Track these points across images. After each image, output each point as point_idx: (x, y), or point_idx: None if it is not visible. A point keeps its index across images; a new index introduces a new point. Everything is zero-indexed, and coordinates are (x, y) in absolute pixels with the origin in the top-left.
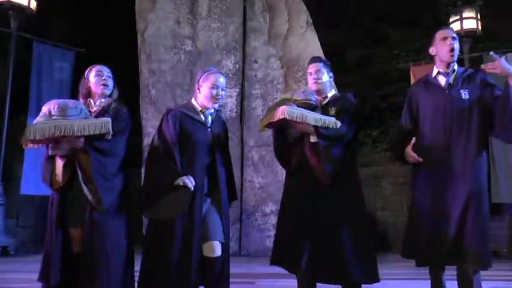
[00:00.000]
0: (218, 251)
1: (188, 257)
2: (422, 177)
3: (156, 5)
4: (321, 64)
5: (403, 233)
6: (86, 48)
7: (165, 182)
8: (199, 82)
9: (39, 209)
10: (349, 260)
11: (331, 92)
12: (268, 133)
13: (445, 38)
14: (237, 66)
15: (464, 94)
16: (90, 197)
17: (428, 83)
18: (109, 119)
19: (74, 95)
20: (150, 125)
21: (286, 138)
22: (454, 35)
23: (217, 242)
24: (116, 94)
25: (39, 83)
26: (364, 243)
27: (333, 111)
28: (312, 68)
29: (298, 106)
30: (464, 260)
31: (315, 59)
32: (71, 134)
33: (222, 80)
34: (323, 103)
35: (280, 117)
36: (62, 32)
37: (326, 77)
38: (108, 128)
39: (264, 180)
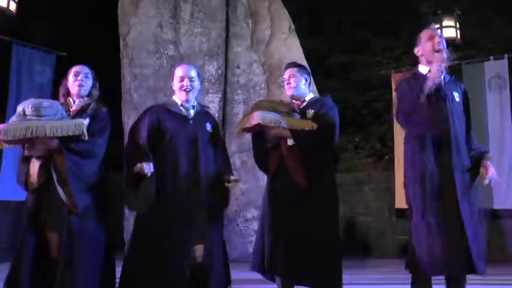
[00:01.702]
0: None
1: (174, 259)
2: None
3: (139, 9)
4: (295, 69)
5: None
6: (67, 51)
7: (132, 172)
8: (173, 79)
9: (15, 215)
10: (319, 265)
11: (309, 96)
12: (250, 139)
13: (431, 37)
14: (220, 71)
15: (457, 96)
16: (65, 199)
17: (420, 78)
18: (84, 120)
19: (54, 99)
20: None
21: (264, 143)
22: (440, 34)
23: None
24: (95, 94)
25: (19, 87)
26: (331, 249)
27: (310, 114)
28: (286, 74)
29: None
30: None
31: (289, 65)
32: (42, 135)
33: (191, 71)
34: (301, 107)
35: (254, 123)
36: (43, 34)
37: (302, 81)
38: (82, 130)
39: (245, 185)
